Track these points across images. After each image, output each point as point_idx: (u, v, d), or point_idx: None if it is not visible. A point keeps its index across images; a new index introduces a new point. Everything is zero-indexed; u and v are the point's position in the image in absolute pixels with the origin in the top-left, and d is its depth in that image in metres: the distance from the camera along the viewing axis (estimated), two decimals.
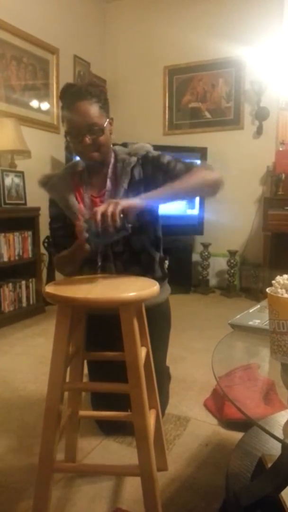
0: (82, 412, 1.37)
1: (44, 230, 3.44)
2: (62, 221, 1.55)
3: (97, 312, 1.42)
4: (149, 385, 1.24)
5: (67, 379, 1.22)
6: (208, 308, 3.69)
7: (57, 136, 3.95)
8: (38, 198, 3.50)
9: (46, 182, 1.58)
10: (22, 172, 3.32)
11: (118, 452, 1.53)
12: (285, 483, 1.01)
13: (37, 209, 3.32)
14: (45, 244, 3.60)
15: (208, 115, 4.38)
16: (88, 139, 1.41)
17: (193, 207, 4.11)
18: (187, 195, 1.50)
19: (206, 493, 1.31)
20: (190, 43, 4.31)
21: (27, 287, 3.32)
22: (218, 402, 1.82)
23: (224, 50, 4.15)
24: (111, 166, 1.53)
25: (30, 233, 3.31)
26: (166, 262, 1.71)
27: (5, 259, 3.09)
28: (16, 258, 3.20)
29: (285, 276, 0.91)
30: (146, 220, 1.54)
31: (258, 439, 1.27)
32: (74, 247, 1.39)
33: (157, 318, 1.58)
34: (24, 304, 3.30)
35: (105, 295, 1.05)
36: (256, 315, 1.30)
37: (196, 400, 1.93)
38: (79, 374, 1.34)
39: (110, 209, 1.20)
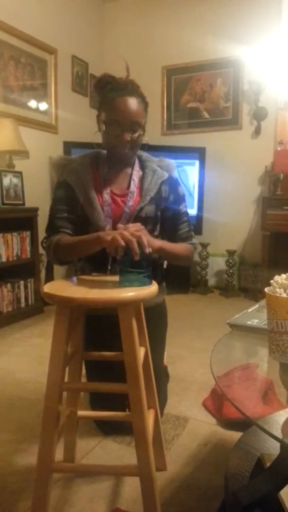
0: (80, 412, 1.37)
1: (43, 230, 3.45)
2: (70, 204, 1.49)
3: (95, 312, 1.42)
4: (147, 385, 1.24)
5: (66, 379, 1.22)
6: (207, 308, 3.69)
7: (56, 136, 3.95)
8: (36, 198, 3.51)
9: (66, 165, 1.53)
10: (20, 173, 3.32)
11: (117, 452, 1.53)
12: (284, 483, 1.01)
13: (35, 210, 3.32)
14: (44, 244, 3.59)
15: (206, 115, 4.38)
16: (127, 136, 1.42)
17: (191, 207, 4.11)
18: (176, 259, 1.57)
19: (205, 492, 1.31)
20: (188, 43, 4.31)
21: (26, 287, 3.32)
22: (217, 402, 1.82)
23: (222, 50, 4.15)
24: (135, 168, 1.54)
25: (28, 233, 3.30)
26: (165, 263, 1.71)
27: (4, 259, 3.09)
28: (15, 258, 3.19)
29: (283, 275, 0.91)
30: (153, 230, 1.55)
31: (257, 438, 1.27)
32: (93, 240, 1.28)
33: (154, 318, 1.58)
34: (23, 304, 3.30)
35: (104, 295, 1.05)
36: (255, 315, 1.30)
37: (195, 400, 1.93)
38: (77, 374, 1.34)
39: (145, 240, 1.19)
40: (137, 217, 1.47)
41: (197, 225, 4.09)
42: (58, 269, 3.77)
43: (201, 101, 4.38)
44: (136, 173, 1.53)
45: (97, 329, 1.48)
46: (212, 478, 1.38)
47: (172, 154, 4.01)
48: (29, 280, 3.34)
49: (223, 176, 4.28)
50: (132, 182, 1.51)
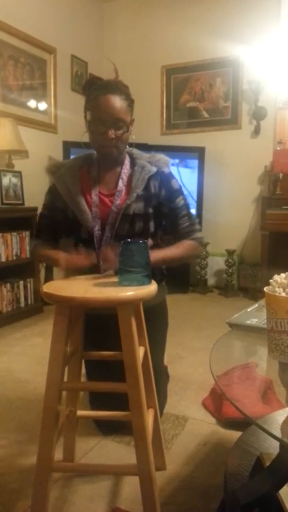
0: (80, 412, 1.37)
1: None
2: (53, 211, 1.56)
3: (95, 312, 1.42)
4: (147, 385, 1.24)
5: (65, 379, 1.22)
6: (206, 307, 3.69)
7: (55, 136, 3.95)
8: (36, 198, 3.50)
9: (54, 172, 1.56)
10: (19, 172, 3.32)
11: (116, 451, 1.53)
12: (283, 482, 1.01)
13: (35, 209, 3.32)
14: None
15: (206, 114, 4.38)
16: (111, 133, 1.42)
17: (191, 207, 4.11)
18: (179, 262, 1.55)
19: (205, 492, 1.31)
20: (187, 43, 4.31)
21: (25, 287, 3.32)
22: (216, 401, 1.82)
23: (221, 50, 4.15)
24: (125, 166, 1.53)
25: (27, 233, 3.31)
26: None
27: (3, 259, 3.08)
28: (14, 258, 3.19)
29: (282, 275, 0.91)
30: (146, 233, 1.54)
31: (256, 438, 1.27)
32: (54, 258, 1.41)
33: (154, 318, 1.58)
34: (22, 304, 3.30)
35: (103, 295, 1.05)
36: (254, 314, 1.30)
37: (195, 399, 1.93)
38: (77, 373, 1.34)
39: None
40: (124, 215, 1.47)
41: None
42: (58, 269, 3.77)
43: (201, 100, 4.38)
44: (126, 171, 1.53)
45: (96, 329, 1.48)
46: (211, 477, 1.38)
47: (172, 154, 4.00)
48: (28, 280, 3.34)
49: (222, 175, 4.28)
50: (120, 180, 1.51)
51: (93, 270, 1.48)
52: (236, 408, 0.89)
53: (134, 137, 1.54)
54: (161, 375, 1.71)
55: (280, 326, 0.87)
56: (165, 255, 1.46)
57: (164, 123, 4.55)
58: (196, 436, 1.62)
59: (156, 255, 1.41)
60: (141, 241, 1.16)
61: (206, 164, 4.11)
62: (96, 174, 1.54)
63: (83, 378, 1.52)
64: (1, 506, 1.25)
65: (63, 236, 1.62)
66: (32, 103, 3.70)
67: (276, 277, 0.91)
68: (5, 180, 3.18)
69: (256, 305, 1.41)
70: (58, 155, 3.89)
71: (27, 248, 3.31)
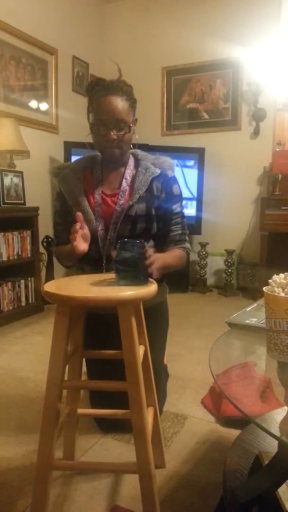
0: (80, 410, 1.38)
1: (43, 230, 3.46)
2: (65, 216, 1.56)
3: (95, 311, 1.43)
4: (147, 383, 1.25)
5: (66, 377, 1.23)
6: (206, 307, 3.70)
7: (56, 136, 3.96)
8: (37, 198, 3.52)
9: (58, 173, 1.57)
10: (21, 172, 3.33)
11: (116, 449, 1.54)
12: (282, 480, 1.02)
13: (36, 209, 3.33)
14: (44, 244, 3.61)
15: (206, 116, 4.39)
16: (113, 134, 1.42)
17: (191, 207, 4.12)
18: (170, 270, 1.53)
19: (204, 490, 1.32)
20: (188, 45, 4.32)
21: (26, 286, 3.33)
22: (215, 400, 1.83)
23: (221, 52, 4.16)
24: (128, 167, 1.54)
25: (29, 232, 3.32)
26: None
27: (4, 258, 3.10)
28: (15, 257, 3.21)
29: (281, 275, 0.92)
30: (148, 234, 1.55)
31: (255, 436, 1.28)
32: (69, 248, 1.39)
33: (155, 317, 1.59)
34: (23, 303, 3.31)
35: (104, 294, 1.06)
36: (253, 314, 1.31)
37: (194, 398, 1.94)
38: (77, 372, 1.35)
39: (154, 266, 1.19)
40: (126, 216, 1.48)
41: (196, 225, 4.11)
42: (58, 269, 3.78)
43: (201, 102, 4.39)
44: (130, 171, 1.54)
45: (97, 328, 1.49)
46: (210, 475, 1.39)
47: (172, 155, 4.01)
48: (29, 279, 3.35)
49: (222, 176, 4.29)
50: (124, 181, 1.52)
51: (96, 269, 1.49)
52: (235, 407, 0.90)
53: (137, 137, 1.54)
54: (161, 374, 1.72)
55: (279, 326, 0.88)
56: (164, 262, 1.41)
57: (165, 124, 4.56)
58: (195, 434, 1.63)
59: (164, 260, 1.38)
60: (137, 241, 1.17)
61: (206, 165, 4.12)
62: (100, 175, 1.54)
63: (83, 377, 1.53)
64: (1, 504, 1.26)
65: None
66: (33, 104, 3.71)
67: (275, 277, 0.92)
68: (7, 180, 3.19)
69: (255, 304, 1.42)
70: (59, 156, 3.90)
71: (28, 247, 3.32)
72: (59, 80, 3.98)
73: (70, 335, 1.23)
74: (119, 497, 1.29)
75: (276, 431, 0.91)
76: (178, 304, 3.68)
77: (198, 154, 4.10)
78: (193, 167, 4.12)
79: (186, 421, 1.74)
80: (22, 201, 3.33)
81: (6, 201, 3.16)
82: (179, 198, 1.58)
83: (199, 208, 4.12)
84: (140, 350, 1.19)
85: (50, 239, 3.66)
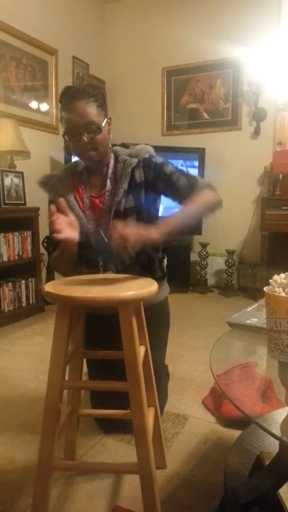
0: (81, 410, 1.38)
1: (44, 230, 3.46)
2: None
3: (96, 311, 1.43)
4: (147, 384, 1.25)
5: (67, 378, 1.23)
6: (206, 307, 3.70)
7: (56, 136, 3.96)
8: (37, 198, 3.50)
9: (46, 182, 1.59)
10: (21, 173, 3.33)
11: (117, 450, 1.54)
12: (283, 481, 1.02)
13: (36, 209, 3.33)
14: (45, 244, 3.61)
15: (206, 116, 4.39)
16: (85, 138, 1.41)
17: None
18: (195, 220, 1.43)
19: (205, 490, 1.32)
20: (188, 45, 4.32)
21: (27, 286, 3.33)
22: (216, 400, 1.83)
23: (222, 51, 4.16)
24: (111, 166, 1.53)
25: (29, 233, 3.32)
26: (165, 261, 1.71)
27: (5, 258, 3.10)
28: (16, 258, 3.21)
29: (282, 275, 0.92)
30: (146, 222, 1.54)
31: (256, 436, 1.28)
32: (62, 245, 1.38)
33: (156, 317, 1.59)
34: (24, 303, 3.31)
35: (104, 294, 1.06)
36: (254, 314, 1.31)
37: (195, 398, 1.94)
38: (78, 372, 1.35)
39: (133, 240, 1.16)
40: (116, 212, 1.48)
41: (197, 225, 4.11)
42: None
43: (201, 102, 4.39)
44: (112, 170, 1.54)
45: (97, 328, 1.49)
46: (211, 475, 1.39)
47: (172, 155, 4.02)
48: (30, 279, 3.35)
49: (222, 176, 4.28)
50: (108, 180, 1.52)
51: (94, 271, 1.49)
52: (236, 407, 0.90)
53: (111, 136, 1.53)
54: (161, 374, 1.72)
55: (280, 326, 0.88)
56: (169, 223, 1.34)
57: (165, 124, 4.56)
58: (196, 435, 1.63)
59: (151, 234, 1.25)
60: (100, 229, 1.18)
61: (207, 165, 4.12)
62: (86, 179, 1.55)
63: (84, 377, 1.53)
64: (2, 504, 1.26)
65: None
66: (33, 104, 3.71)
67: (275, 277, 0.92)
68: (7, 181, 3.19)
69: (256, 304, 1.42)
70: (60, 156, 3.90)
71: (29, 248, 3.32)
72: (60, 81, 3.98)
73: (71, 335, 1.23)
74: (120, 498, 1.29)
75: (277, 431, 0.91)
76: (178, 304, 3.68)
77: (199, 154, 4.11)
78: (193, 167, 4.12)
79: (187, 421, 1.74)
80: (23, 202, 3.33)
81: (6, 202, 3.17)
82: (164, 163, 1.54)
83: None
84: (141, 350, 1.19)
85: (50, 239, 3.66)
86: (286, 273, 0.93)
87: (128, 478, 1.37)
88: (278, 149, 3.95)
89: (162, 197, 1.59)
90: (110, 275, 1.41)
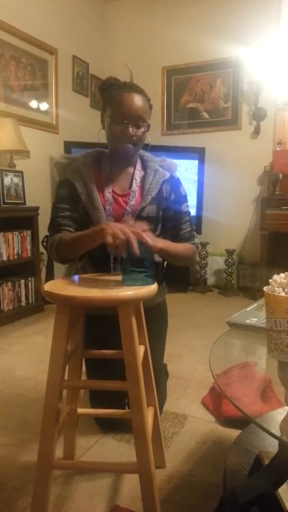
0: (80, 410, 1.38)
1: (43, 229, 3.46)
2: (72, 203, 1.48)
3: (95, 311, 1.43)
4: (147, 383, 1.25)
5: (66, 377, 1.23)
6: (206, 306, 3.70)
7: (56, 136, 3.96)
8: (37, 197, 3.52)
9: (68, 164, 1.52)
10: (21, 172, 3.33)
11: (116, 449, 1.54)
12: (282, 480, 1.02)
13: (36, 209, 3.33)
14: (44, 243, 3.61)
15: (206, 115, 4.39)
16: (132, 130, 1.42)
17: (191, 207, 4.12)
18: (179, 258, 1.53)
19: (204, 490, 1.32)
20: (188, 44, 4.32)
21: (26, 286, 3.33)
22: (215, 400, 1.83)
23: (222, 51, 4.16)
24: (137, 168, 1.54)
25: (29, 232, 3.32)
26: (165, 263, 1.72)
27: (5, 258, 3.10)
28: (15, 257, 3.21)
29: (282, 274, 0.92)
30: (154, 230, 1.55)
31: (256, 436, 1.28)
32: (95, 233, 1.23)
33: (155, 317, 1.59)
34: (23, 303, 3.31)
35: (104, 294, 1.06)
36: (253, 314, 1.31)
37: (194, 397, 1.94)
38: (77, 372, 1.35)
39: (149, 243, 1.18)
40: (138, 217, 1.47)
41: (196, 224, 4.10)
42: (59, 268, 3.79)
43: (201, 101, 4.39)
44: (138, 172, 1.54)
45: (97, 327, 1.49)
46: (210, 475, 1.39)
47: (172, 154, 4.02)
48: (29, 278, 3.35)
49: (222, 176, 4.29)
50: (134, 181, 1.51)
51: (101, 270, 1.47)
52: (236, 407, 0.90)
53: (150, 139, 1.55)
54: (161, 374, 1.72)
55: (279, 326, 0.88)
56: (165, 244, 1.41)
57: (165, 123, 4.56)
58: (196, 434, 1.63)
59: (158, 241, 1.35)
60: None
61: (206, 165, 4.12)
62: (109, 172, 1.53)
63: (83, 376, 1.53)
64: (2, 504, 1.26)
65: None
66: (33, 104, 3.71)
67: (275, 276, 0.92)
68: (7, 180, 3.19)
69: (256, 304, 1.42)
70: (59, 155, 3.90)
71: (29, 247, 3.32)
72: (59, 80, 3.98)
73: (70, 334, 1.23)
74: (119, 497, 1.29)
75: (276, 431, 0.91)
76: (178, 304, 3.69)
77: (199, 154, 4.10)
78: (193, 167, 4.11)
79: (186, 421, 1.74)
80: (22, 201, 3.33)
81: (6, 201, 3.16)
82: (186, 198, 1.61)
83: (199, 208, 4.12)
84: (140, 350, 1.19)
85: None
86: (286, 272, 0.93)
87: (128, 478, 1.37)
88: (278, 149, 3.95)
89: None
90: (112, 276, 1.41)
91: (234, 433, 1.57)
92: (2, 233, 3.07)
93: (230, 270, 4.12)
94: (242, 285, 4.26)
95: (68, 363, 1.27)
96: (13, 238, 3.17)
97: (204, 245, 4.21)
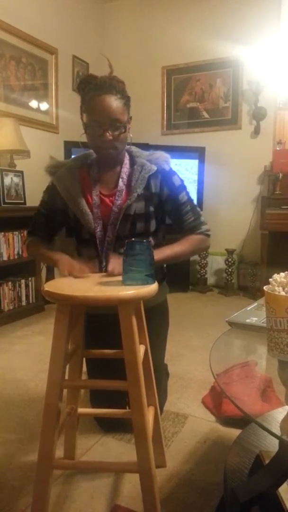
0: (81, 410, 1.38)
1: None
2: (51, 211, 1.56)
3: (96, 311, 1.43)
4: (147, 383, 1.25)
5: (66, 377, 1.23)
6: (206, 306, 3.70)
7: (56, 136, 3.96)
8: (37, 197, 3.50)
9: (54, 172, 1.55)
10: (21, 172, 3.33)
11: (116, 449, 1.54)
12: (283, 480, 1.02)
13: (36, 209, 3.32)
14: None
15: (206, 115, 4.39)
16: (109, 135, 1.39)
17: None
18: (181, 259, 1.53)
19: (204, 489, 1.32)
20: (188, 44, 4.32)
21: (27, 285, 3.33)
22: (216, 399, 1.83)
23: (222, 50, 4.16)
24: (124, 166, 1.52)
25: None
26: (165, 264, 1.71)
27: (5, 258, 3.10)
28: (16, 257, 3.21)
29: (282, 274, 0.92)
30: (151, 232, 1.54)
31: (256, 435, 1.28)
32: (54, 259, 1.40)
33: (156, 316, 1.59)
34: (24, 302, 3.31)
35: (104, 293, 1.06)
36: (254, 313, 1.31)
37: (194, 397, 1.94)
38: (78, 371, 1.35)
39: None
40: (125, 215, 1.46)
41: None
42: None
43: (201, 101, 4.39)
44: (126, 170, 1.51)
45: (97, 327, 1.49)
46: (211, 474, 1.39)
47: (172, 154, 4.00)
48: (30, 278, 3.35)
49: (222, 175, 4.29)
50: (120, 180, 1.49)
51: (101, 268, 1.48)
52: (236, 406, 0.90)
53: (131, 135, 1.53)
54: (161, 373, 1.72)
55: (280, 325, 0.88)
56: (171, 252, 1.44)
57: (165, 123, 4.56)
58: (196, 434, 1.63)
59: (162, 253, 1.41)
60: (144, 240, 1.16)
61: (206, 164, 4.12)
62: (96, 174, 1.52)
63: (84, 376, 1.53)
64: (2, 503, 1.26)
65: (58, 235, 1.65)
66: (33, 103, 3.71)
67: (275, 276, 0.92)
68: (7, 180, 3.19)
69: (256, 304, 1.42)
70: (59, 155, 3.90)
71: None
72: (59, 80, 3.98)
73: (71, 334, 1.23)
74: (119, 497, 1.29)
75: (276, 430, 0.91)
76: (178, 304, 3.69)
77: (199, 154, 4.10)
78: (193, 167, 4.11)
79: (187, 420, 1.74)
80: (23, 201, 3.33)
81: (6, 201, 3.17)
82: (182, 186, 1.56)
83: (199, 208, 4.11)
84: (141, 350, 1.19)
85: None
86: (286, 272, 0.93)
87: (128, 477, 1.37)
88: (278, 148, 3.95)
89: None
90: (110, 276, 1.41)
91: (234, 432, 1.57)
92: (3, 233, 3.07)
93: (230, 270, 4.12)
94: (242, 285, 4.26)
95: (68, 363, 1.27)
96: (13, 238, 3.17)
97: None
